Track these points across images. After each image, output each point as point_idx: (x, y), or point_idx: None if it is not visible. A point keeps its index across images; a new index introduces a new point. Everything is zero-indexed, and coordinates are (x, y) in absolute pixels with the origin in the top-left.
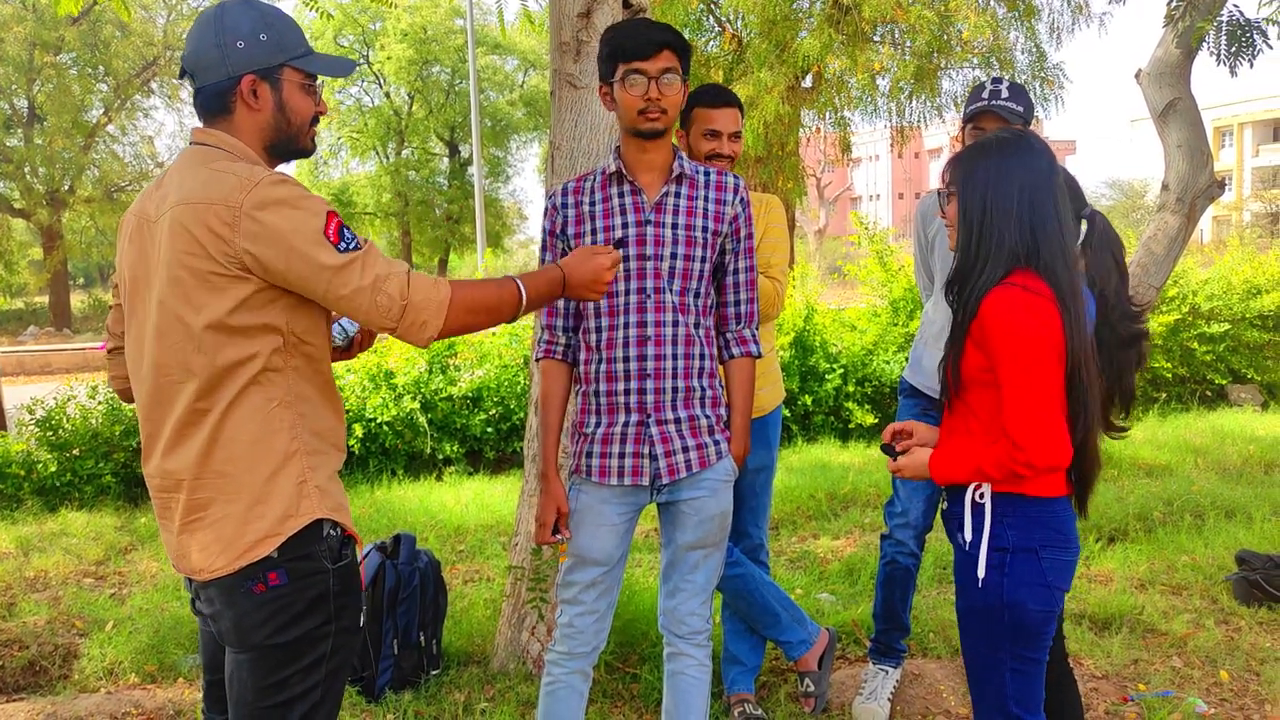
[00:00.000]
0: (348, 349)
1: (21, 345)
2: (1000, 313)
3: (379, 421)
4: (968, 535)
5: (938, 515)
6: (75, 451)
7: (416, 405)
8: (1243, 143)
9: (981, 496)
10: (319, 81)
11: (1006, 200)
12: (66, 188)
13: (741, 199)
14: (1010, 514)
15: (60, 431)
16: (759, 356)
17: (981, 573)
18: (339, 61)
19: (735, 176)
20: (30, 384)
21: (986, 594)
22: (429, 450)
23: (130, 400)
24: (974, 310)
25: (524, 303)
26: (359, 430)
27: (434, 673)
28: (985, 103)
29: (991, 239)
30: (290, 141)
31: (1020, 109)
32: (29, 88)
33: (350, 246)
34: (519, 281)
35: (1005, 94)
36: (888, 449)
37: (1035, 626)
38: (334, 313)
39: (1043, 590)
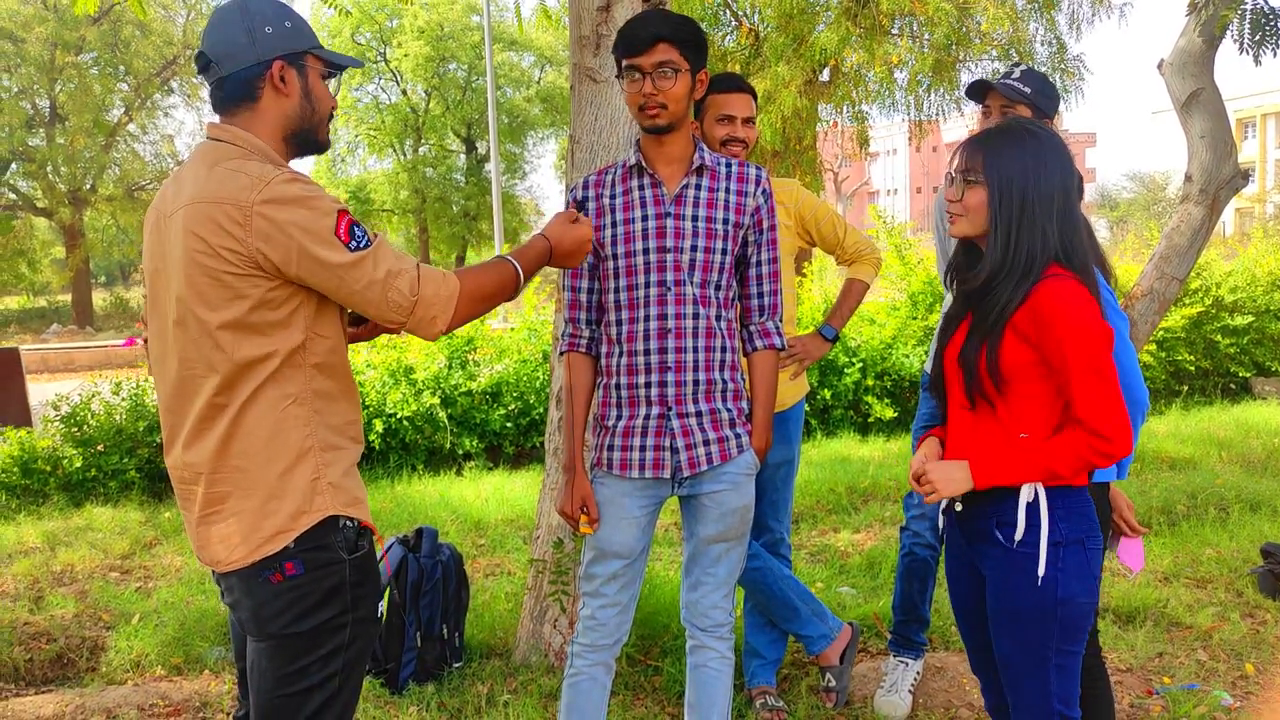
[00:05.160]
0: (362, 320)
1: (45, 343)
2: (1065, 304)
3: (399, 417)
4: (1020, 533)
5: None
6: (100, 447)
7: (436, 400)
8: (1265, 134)
9: (1035, 493)
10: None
11: (1047, 197)
12: (88, 186)
13: (764, 190)
14: (1060, 507)
15: (85, 428)
16: (782, 350)
17: (1042, 570)
18: (346, 56)
19: (758, 167)
20: (54, 381)
21: (1043, 592)
22: (448, 445)
23: None
24: (1020, 302)
25: (521, 280)
26: (379, 425)
27: (456, 665)
28: (990, 79)
29: (1036, 233)
30: (311, 132)
31: (1028, 90)
32: (51, 87)
33: (361, 245)
34: (514, 261)
35: (1015, 75)
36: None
37: (1083, 620)
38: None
39: (1092, 581)
